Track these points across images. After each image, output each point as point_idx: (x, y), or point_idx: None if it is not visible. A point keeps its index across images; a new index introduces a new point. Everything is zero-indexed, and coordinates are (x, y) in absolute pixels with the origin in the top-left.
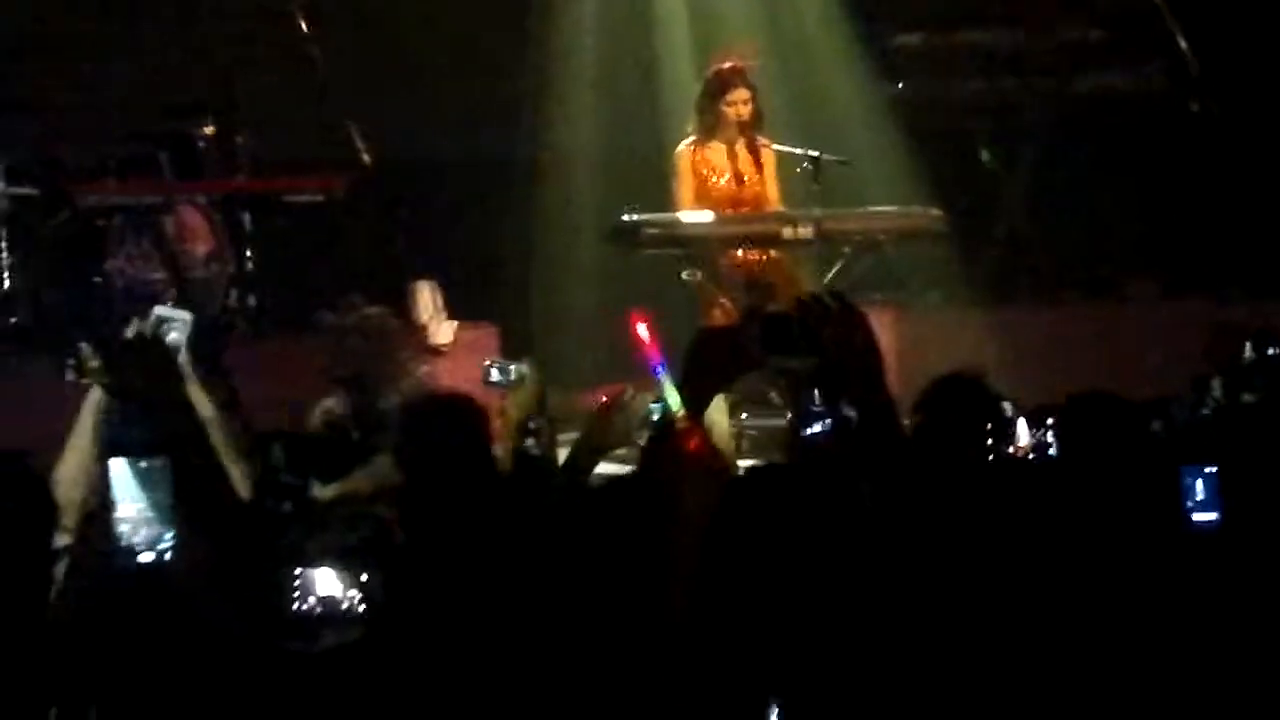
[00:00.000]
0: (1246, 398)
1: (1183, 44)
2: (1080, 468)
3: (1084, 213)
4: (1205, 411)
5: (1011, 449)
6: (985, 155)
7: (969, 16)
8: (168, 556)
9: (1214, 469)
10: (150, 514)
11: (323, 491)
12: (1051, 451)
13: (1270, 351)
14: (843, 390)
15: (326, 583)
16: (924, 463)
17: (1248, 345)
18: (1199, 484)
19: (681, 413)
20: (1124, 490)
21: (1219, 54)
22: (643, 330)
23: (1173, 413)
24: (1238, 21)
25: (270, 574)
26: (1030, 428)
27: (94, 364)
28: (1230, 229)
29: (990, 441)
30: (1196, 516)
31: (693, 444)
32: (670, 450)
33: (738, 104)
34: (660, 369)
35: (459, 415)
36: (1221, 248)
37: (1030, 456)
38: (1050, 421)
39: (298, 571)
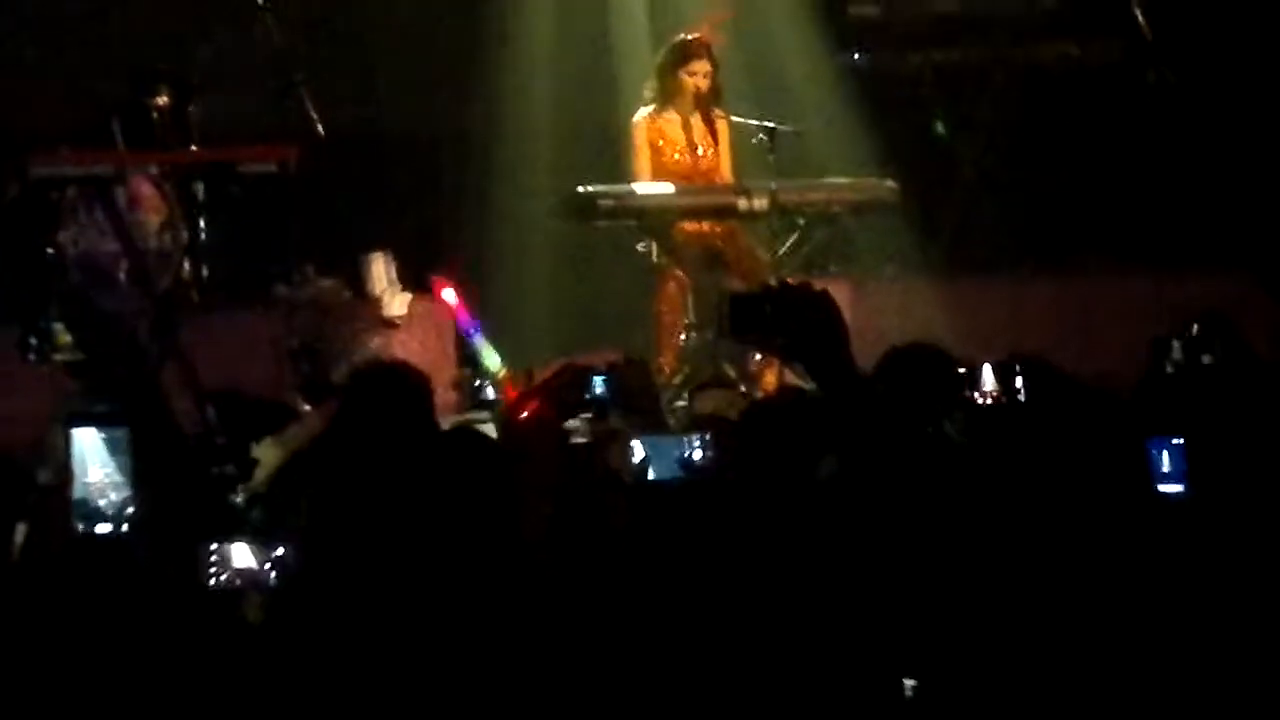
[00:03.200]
0: (1205, 359)
1: (1139, 14)
2: (1047, 420)
3: (1039, 184)
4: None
5: (977, 396)
6: (940, 127)
7: None
8: (125, 527)
9: (1180, 441)
10: (117, 478)
11: (260, 451)
12: (1020, 397)
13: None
14: (809, 368)
15: (243, 556)
16: (890, 433)
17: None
18: (1165, 456)
19: (502, 373)
20: (1091, 456)
21: (1175, 24)
22: (448, 296)
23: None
24: None
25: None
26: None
27: (65, 339)
28: (1187, 202)
29: (949, 404)
30: (1163, 488)
31: (523, 410)
32: (504, 418)
33: (698, 75)
34: (473, 332)
35: (400, 385)
36: (1177, 221)
37: (998, 401)
38: (1019, 368)
39: (214, 546)
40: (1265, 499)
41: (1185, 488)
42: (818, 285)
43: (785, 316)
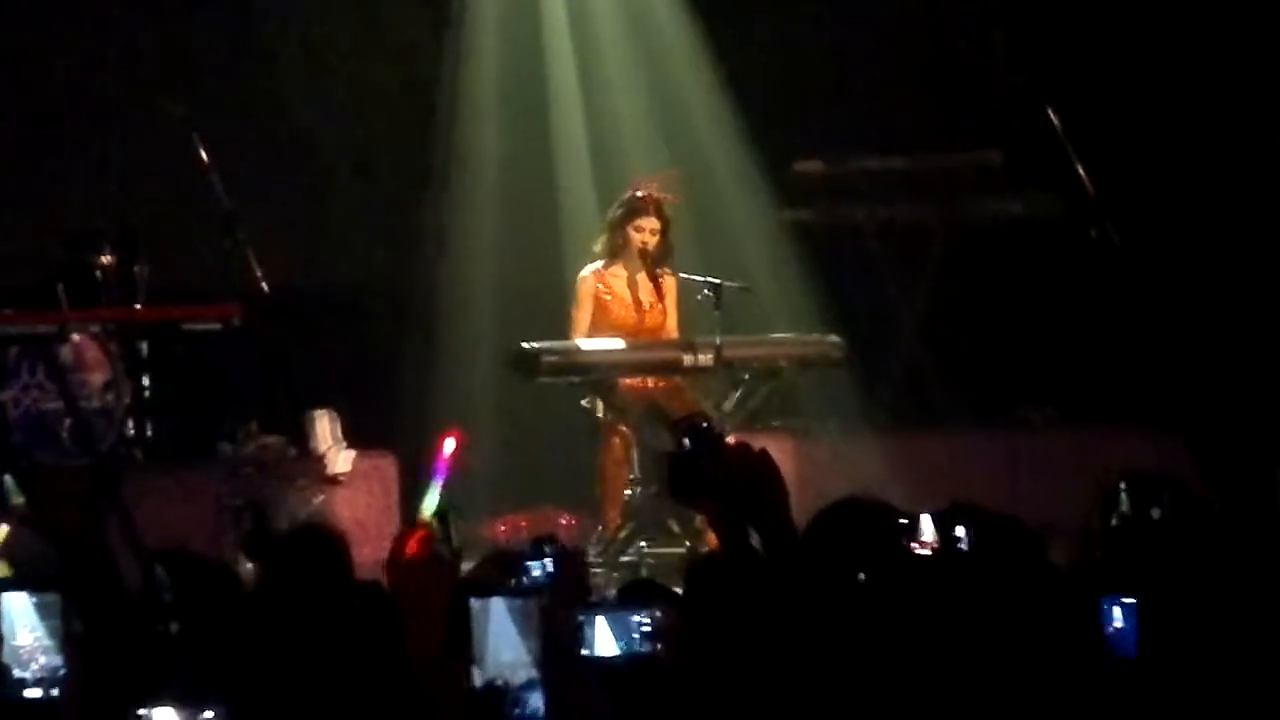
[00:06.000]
0: (1155, 514)
1: (1081, 169)
2: (988, 576)
3: (982, 339)
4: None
5: (916, 546)
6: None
7: (867, 142)
8: (55, 691)
9: (1133, 600)
10: (47, 642)
11: None
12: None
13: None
14: (748, 525)
15: None
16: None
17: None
18: (1118, 613)
19: (427, 516)
20: (1040, 611)
21: (1118, 180)
22: (448, 444)
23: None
24: (1137, 147)
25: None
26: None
27: (18, 499)
28: (1128, 358)
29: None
30: (1115, 645)
31: (411, 547)
32: (394, 553)
33: (645, 231)
34: (438, 477)
35: (318, 548)
36: (1118, 377)
37: (936, 552)
38: (960, 518)
39: (140, 711)
40: (1218, 659)
41: (1136, 647)
42: (761, 441)
43: (724, 477)
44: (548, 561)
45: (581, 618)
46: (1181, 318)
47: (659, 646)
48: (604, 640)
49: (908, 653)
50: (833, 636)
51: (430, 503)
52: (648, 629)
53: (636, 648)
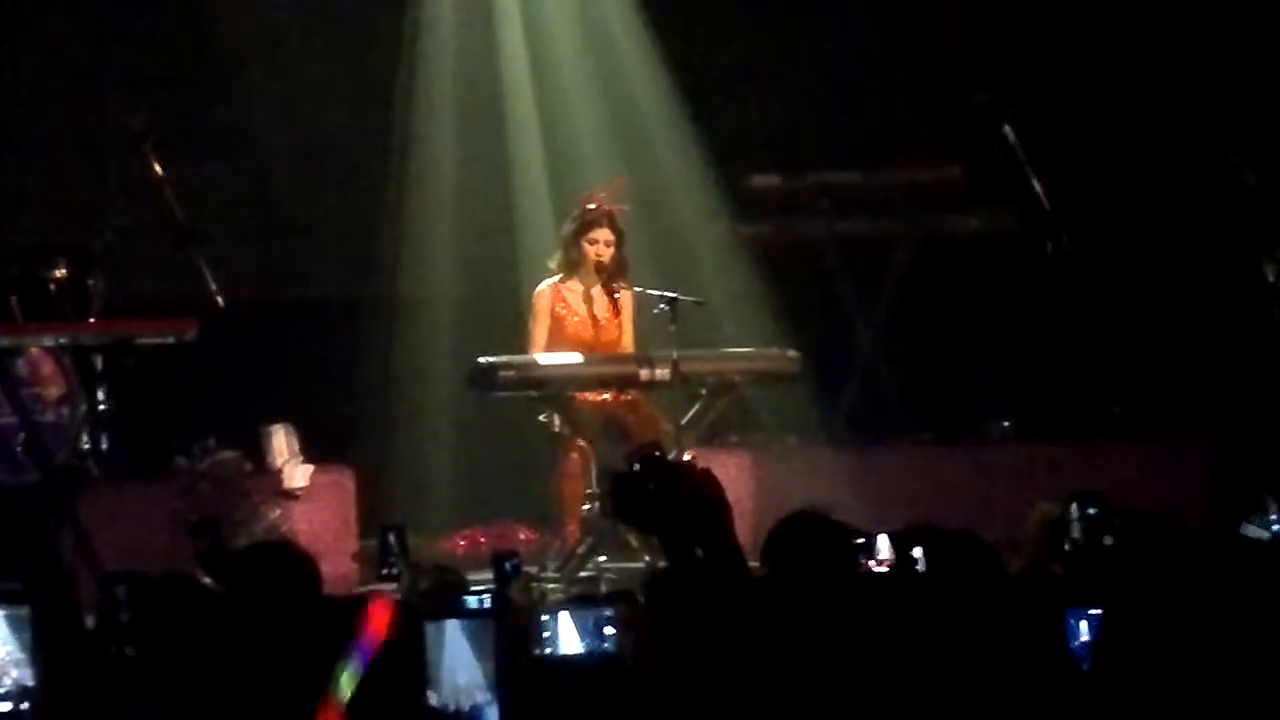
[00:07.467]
0: (1107, 540)
1: (1036, 183)
2: (947, 592)
3: (939, 354)
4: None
5: (873, 563)
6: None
7: (825, 157)
8: (25, 706)
9: (1098, 611)
10: (18, 656)
11: None
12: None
13: (1090, 512)
14: (692, 544)
15: None
16: (776, 603)
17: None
18: (1083, 625)
19: (342, 695)
20: (1001, 624)
21: (1073, 193)
22: (382, 614)
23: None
24: (1093, 162)
25: None
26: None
27: None
28: (1086, 372)
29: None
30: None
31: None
32: None
33: (599, 243)
34: (359, 656)
35: (285, 565)
36: (1076, 391)
37: (890, 570)
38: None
39: None
40: (1180, 673)
41: (1091, 659)
42: (720, 455)
43: (667, 496)
44: (485, 597)
45: (545, 616)
46: (1138, 329)
47: (623, 642)
48: (568, 638)
49: (863, 667)
50: (791, 650)
51: (347, 682)
52: (611, 625)
53: (601, 645)
